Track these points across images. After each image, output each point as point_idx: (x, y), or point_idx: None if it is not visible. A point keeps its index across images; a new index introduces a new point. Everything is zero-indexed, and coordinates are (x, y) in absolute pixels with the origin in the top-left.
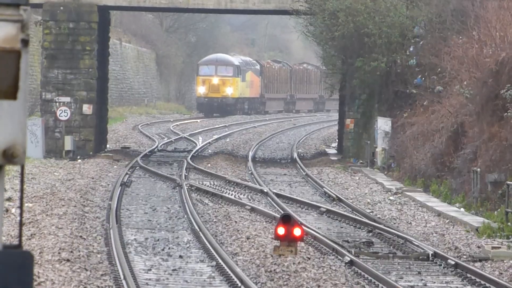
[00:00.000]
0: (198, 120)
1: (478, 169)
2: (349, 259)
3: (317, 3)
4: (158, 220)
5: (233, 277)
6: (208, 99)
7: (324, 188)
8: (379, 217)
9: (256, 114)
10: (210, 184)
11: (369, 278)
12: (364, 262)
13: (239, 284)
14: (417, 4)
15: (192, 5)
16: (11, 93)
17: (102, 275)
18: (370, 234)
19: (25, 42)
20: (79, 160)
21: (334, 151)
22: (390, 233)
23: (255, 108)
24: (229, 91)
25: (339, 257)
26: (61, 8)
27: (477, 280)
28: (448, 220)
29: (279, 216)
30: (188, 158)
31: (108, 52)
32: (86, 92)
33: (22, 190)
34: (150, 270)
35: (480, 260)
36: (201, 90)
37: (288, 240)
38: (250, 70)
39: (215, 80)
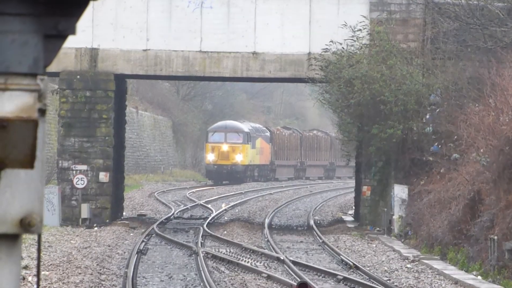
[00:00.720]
0: (214, 187)
1: (495, 237)
2: None
3: (333, 71)
4: None
5: None
6: (217, 166)
7: (341, 256)
8: (396, 285)
9: (266, 181)
10: (226, 251)
11: None
12: None
13: None
14: (433, 72)
15: (208, 73)
16: (28, 163)
17: None
18: None
19: (42, 112)
20: (96, 228)
21: (350, 218)
22: None
23: (265, 175)
24: (239, 158)
25: None
26: (78, 76)
27: None
28: None
29: (296, 283)
30: (204, 225)
31: (125, 120)
32: (103, 160)
33: (39, 259)
34: None
35: None
36: (210, 157)
37: None
38: (260, 137)
39: (225, 147)
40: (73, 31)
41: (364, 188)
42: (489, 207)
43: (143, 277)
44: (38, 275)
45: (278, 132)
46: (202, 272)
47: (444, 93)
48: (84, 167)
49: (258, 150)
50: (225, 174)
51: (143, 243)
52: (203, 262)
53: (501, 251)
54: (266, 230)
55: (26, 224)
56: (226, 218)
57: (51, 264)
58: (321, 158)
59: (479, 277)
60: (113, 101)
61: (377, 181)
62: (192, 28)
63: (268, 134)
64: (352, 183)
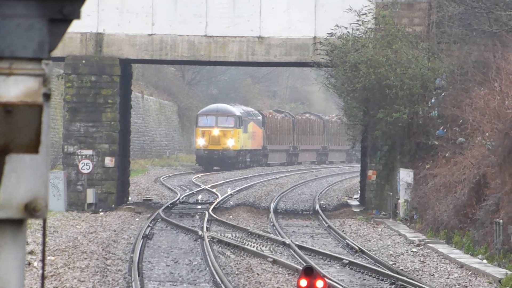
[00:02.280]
0: (220, 172)
1: (501, 221)
2: None
3: (338, 56)
4: (180, 273)
5: None
6: (208, 152)
7: (346, 240)
8: (401, 269)
9: (258, 166)
10: (232, 236)
11: None
12: None
13: None
14: (438, 56)
15: (213, 58)
16: (33, 147)
17: None
18: (393, 286)
19: (47, 96)
20: (101, 213)
21: (356, 202)
22: (413, 285)
23: (257, 160)
24: (230, 143)
25: None
26: (83, 61)
27: None
28: (470, 272)
29: (301, 268)
30: (210, 210)
31: (130, 105)
32: (108, 145)
33: (44, 244)
34: None
35: None
36: (200, 142)
37: None
38: (252, 120)
39: (216, 132)
40: (77, 16)
41: (370, 172)
42: (494, 191)
43: (149, 262)
44: (43, 259)
45: (270, 115)
46: (207, 256)
47: (450, 77)
48: (89, 152)
49: (250, 134)
50: (216, 160)
51: (149, 228)
52: (209, 247)
53: (506, 235)
54: (272, 215)
55: (31, 209)
56: (231, 202)
57: (56, 249)
58: (314, 142)
59: (485, 260)
60: (118, 86)
61: (383, 165)
62: (198, 13)
63: (260, 117)
64: (355, 167)
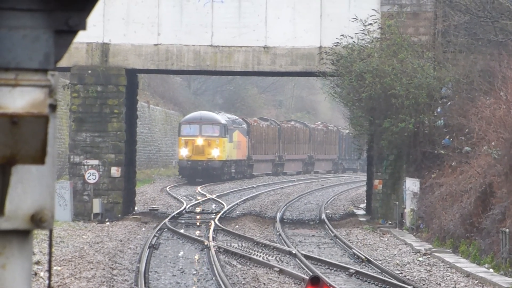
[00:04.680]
0: (226, 182)
1: (507, 230)
2: None
3: (344, 65)
4: (186, 283)
5: None
6: (191, 163)
7: (353, 249)
8: (408, 278)
9: (242, 178)
10: (238, 245)
11: None
12: None
13: None
14: (444, 65)
15: (219, 68)
16: (39, 158)
17: None
18: None
19: (53, 107)
20: (108, 223)
21: (362, 212)
22: None
23: (242, 171)
24: (215, 153)
25: None
26: (89, 71)
27: None
28: (477, 281)
29: (308, 277)
30: (216, 220)
31: (136, 114)
32: (115, 155)
33: (50, 254)
34: None
35: None
36: (183, 152)
37: None
38: (237, 129)
39: (200, 141)
40: (83, 27)
41: (376, 181)
42: (500, 200)
43: (155, 271)
44: (49, 270)
45: (255, 123)
46: (214, 266)
47: (455, 86)
48: (95, 162)
49: (235, 144)
50: (200, 171)
51: (155, 238)
52: (215, 257)
53: None
54: (278, 224)
55: (38, 220)
56: (237, 212)
57: (63, 260)
58: (300, 151)
59: (491, 270)
60: (124, 96)
61: (389, 174)
62: (203, 23)
63: (245, 126)
64: (361, 176)
